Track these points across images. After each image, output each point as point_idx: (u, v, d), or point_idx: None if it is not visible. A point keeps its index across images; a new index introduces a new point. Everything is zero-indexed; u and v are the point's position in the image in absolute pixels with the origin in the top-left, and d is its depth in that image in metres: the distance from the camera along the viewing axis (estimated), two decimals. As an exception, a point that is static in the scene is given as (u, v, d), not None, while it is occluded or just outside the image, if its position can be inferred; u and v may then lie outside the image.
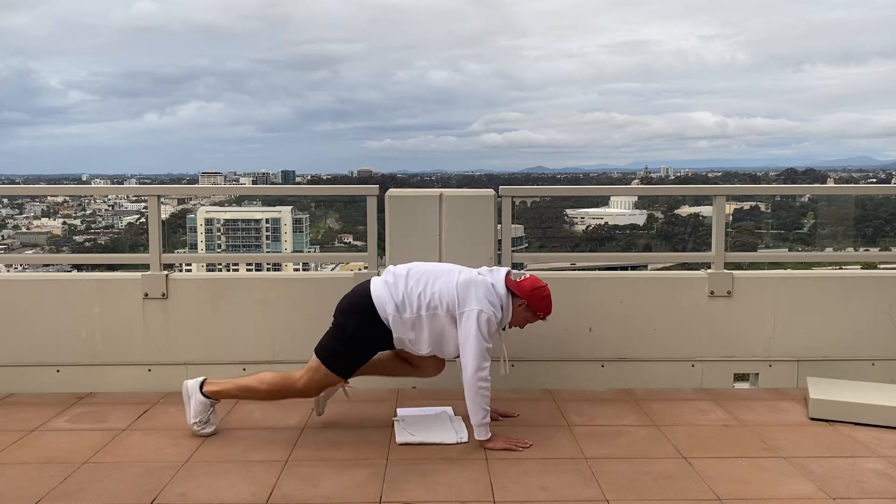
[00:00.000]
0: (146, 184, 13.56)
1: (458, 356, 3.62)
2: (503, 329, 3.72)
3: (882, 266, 6.37)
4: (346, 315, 3.63)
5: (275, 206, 21.41)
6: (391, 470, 3.31)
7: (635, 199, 22.48)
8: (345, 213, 22.92)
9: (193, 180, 24.60)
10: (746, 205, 20.96)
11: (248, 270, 10.01)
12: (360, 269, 4.68)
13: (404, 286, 3.56)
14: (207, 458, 3.46)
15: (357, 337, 3.58)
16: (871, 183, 17.36)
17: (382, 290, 3.57)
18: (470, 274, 3.60)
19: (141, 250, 5.02)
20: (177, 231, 20.74)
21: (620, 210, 22.88)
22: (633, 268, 6.85)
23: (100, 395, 4.39)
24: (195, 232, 21.22)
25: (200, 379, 3.76)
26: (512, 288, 3.61)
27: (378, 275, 3.83)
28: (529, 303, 3.62)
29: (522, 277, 3.67)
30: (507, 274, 3.65)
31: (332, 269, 8.58)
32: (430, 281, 3.57)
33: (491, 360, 3.54)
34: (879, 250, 15.86)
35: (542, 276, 3.88)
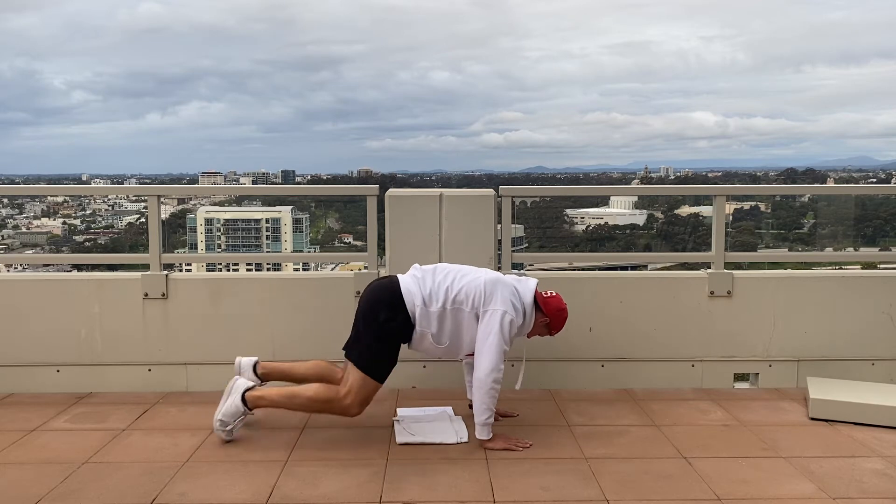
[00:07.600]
0: (146, 184, 13.57)
1: (469, 353, 3.64)
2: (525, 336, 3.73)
3: (882, 266, 6.37)
4: (374, 304, 3.55)
5: (275, 206, 21.42)
6: (391, 470, 3.31)
7: (635, 199, 22.50)
8: (345, 213, 22.95)
9: (193, 180, 24.63)
10: (746, 205, 20.98)
11: (248, 270, 10.01)
12: (360, 269, 4.68)
13: (432, 280, 3.59)
14: (207, 458, 3.45)
15: (387, 328, 3.52)
16: (871, 183, 17.35)
17: (411, 283, 3.58)
18: (497, 274, 3.65)
19: (141, 250, 5.02)
20: (177, 231, 20.77)
21: (620, 210, 22.90)
22: (633, 268, 6.85)
23: (100, 395, 4.39)
24: (195, 232, 21.25)
25: (250, 384, 3.67)
26: (540, 303, 3.63)
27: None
28: (551, 321, 3.66)
29: (549, 293, 3.68)
30: (536, 287, 3.65)
31: (333, 269, 8.59)
32: (458, 277, 3.59)
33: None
34: (879, 250, 15.86)
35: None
